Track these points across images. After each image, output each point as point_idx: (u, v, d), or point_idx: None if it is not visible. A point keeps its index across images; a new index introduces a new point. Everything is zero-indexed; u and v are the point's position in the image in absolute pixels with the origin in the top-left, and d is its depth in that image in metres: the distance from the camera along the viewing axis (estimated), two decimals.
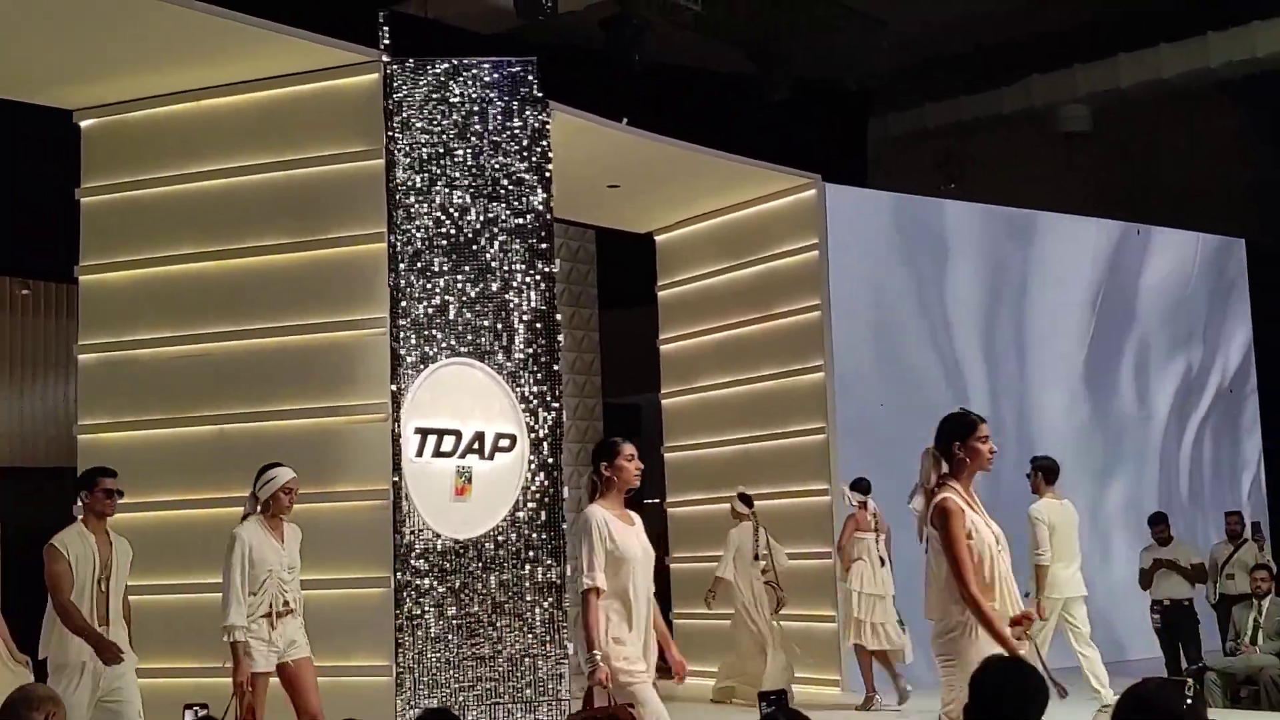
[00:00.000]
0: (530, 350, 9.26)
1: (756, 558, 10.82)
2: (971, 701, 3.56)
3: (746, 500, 11.00)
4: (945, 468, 5.43)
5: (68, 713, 5.20)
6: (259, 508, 7.03)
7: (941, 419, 5.58)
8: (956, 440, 5.47)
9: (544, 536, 9.13)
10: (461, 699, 8.69)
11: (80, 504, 7.03)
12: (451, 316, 9.03)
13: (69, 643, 6.79)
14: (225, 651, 6.81)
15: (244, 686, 6.71)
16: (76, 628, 6.75)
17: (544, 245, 9.39)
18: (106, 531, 7.01)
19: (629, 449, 6.10)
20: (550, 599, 9.09)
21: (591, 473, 6.12)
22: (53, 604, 6.84)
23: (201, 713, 4.62)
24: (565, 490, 9.46)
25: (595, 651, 5.62)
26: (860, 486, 10.76)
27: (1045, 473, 10.04)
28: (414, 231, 8.97)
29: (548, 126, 9.48)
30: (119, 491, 7.03)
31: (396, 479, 8.67)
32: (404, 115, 9.02)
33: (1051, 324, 13.19)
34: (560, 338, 9.54)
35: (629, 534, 5.94)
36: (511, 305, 9.23)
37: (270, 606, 6.90)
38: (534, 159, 9.41)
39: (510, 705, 8.81)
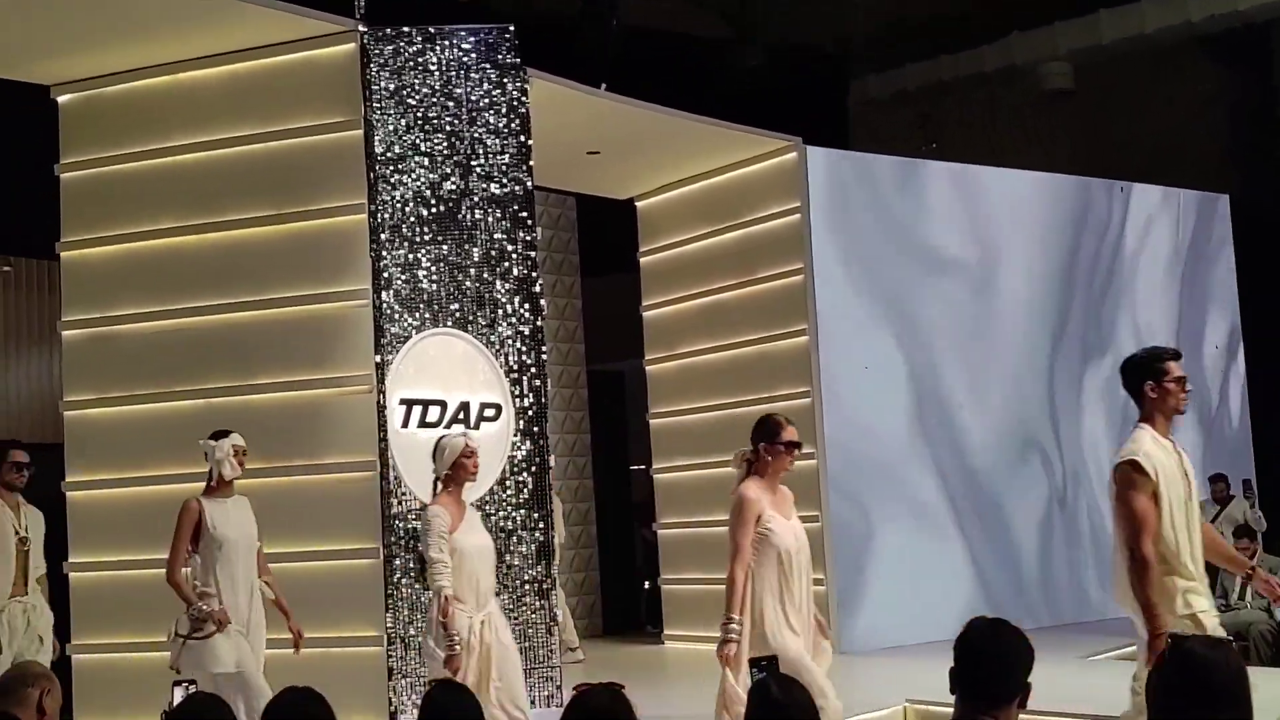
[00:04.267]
0: (513, 319, 9.26)
1: None
2: (955, 661, 3.57)
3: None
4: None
5: None
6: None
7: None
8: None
9: (531, 504, 9.16)
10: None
11: None
12: (434, 287, 9.03)
13: None
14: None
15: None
16: None
17: (525, 213, 9.38)
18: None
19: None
20: (539, 566, 9.13)
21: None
22: None
23: (192, 689, 4.62)
24: (551, 459, 9.48)
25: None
26: None
27: None
28: (394, 202, 8.95)
29: (526, 94, 9.46)
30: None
31: (383, 450, 8.68)
32: (381, 85, 8.99)
33: (1034, 283, 13.20)
34: (543, 306, 9.54)
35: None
36: (493, 274, 9.23)
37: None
38: (513, 127, 9.39)
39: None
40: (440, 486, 6.84)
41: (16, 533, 7.71)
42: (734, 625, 6.00)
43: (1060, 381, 13.20)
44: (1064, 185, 13.78)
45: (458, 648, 6.36)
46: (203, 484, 7.24)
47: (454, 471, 6.80)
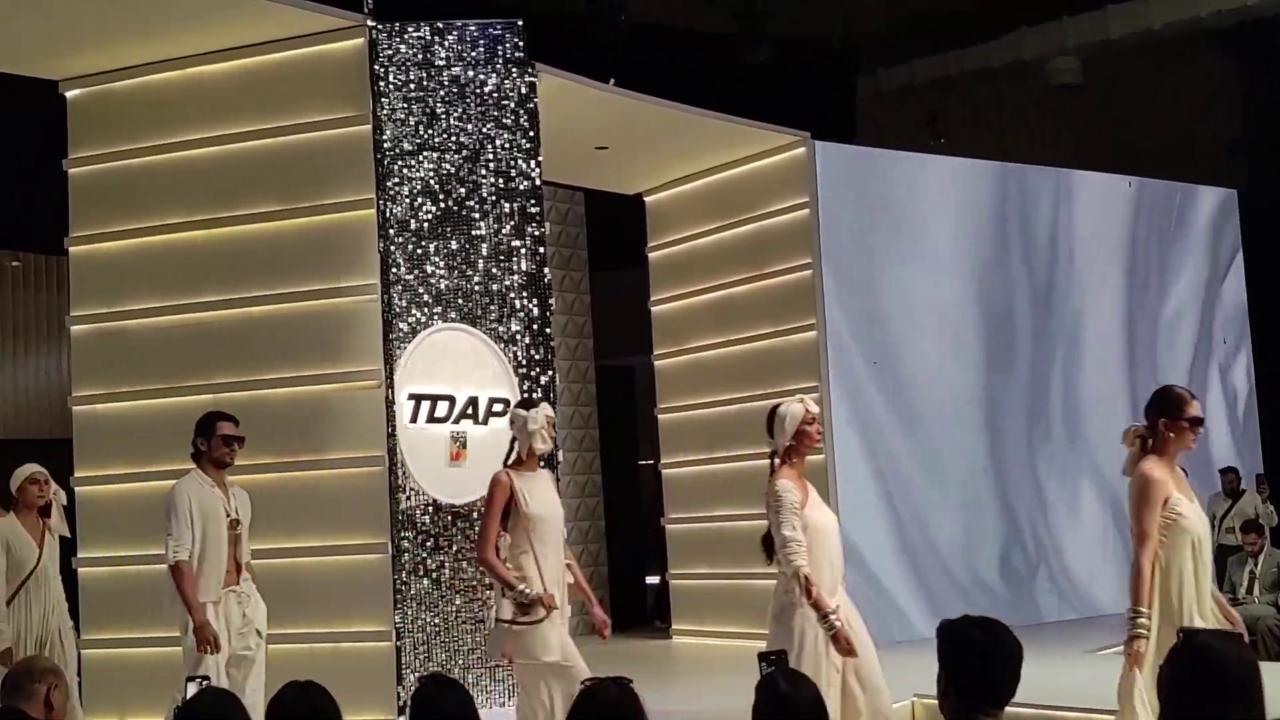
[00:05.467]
0: (522, 314, 9.27)
1: None
2: (943, 662, 3.56)
3: None
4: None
5: None
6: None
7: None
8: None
9: None
10: (460, 662, 8.74)
11: None
12: (442, 282, 9.03)
13: None
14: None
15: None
16: None
17: (534, 208, 9.38)
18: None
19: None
20: None
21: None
22: None
23: (205, 684, 4.62)
24: (560, 454, 9.47)
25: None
26: None
27: None
28: (403, 197, 8.95)
29: (535, 89, 9.46)
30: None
31: (392, 445, 8.68)
32: (390, 80, 8.99)
33: (1044, 278, 13.19)
34: (551, 301, 9.54)
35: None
36: (502, 269, 9.23)
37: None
38: (522, 121, 9.39)
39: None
40: (779, 460, 6.21)
41: (227, 515, 6.96)
42: (1142, 619, 5.43)
43: (1074, 373, 13.19)
44: (1074, 180, 13.75)
45: (838, 623, 5.85)
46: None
47: (796, 442, 6.18)
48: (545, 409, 6.66)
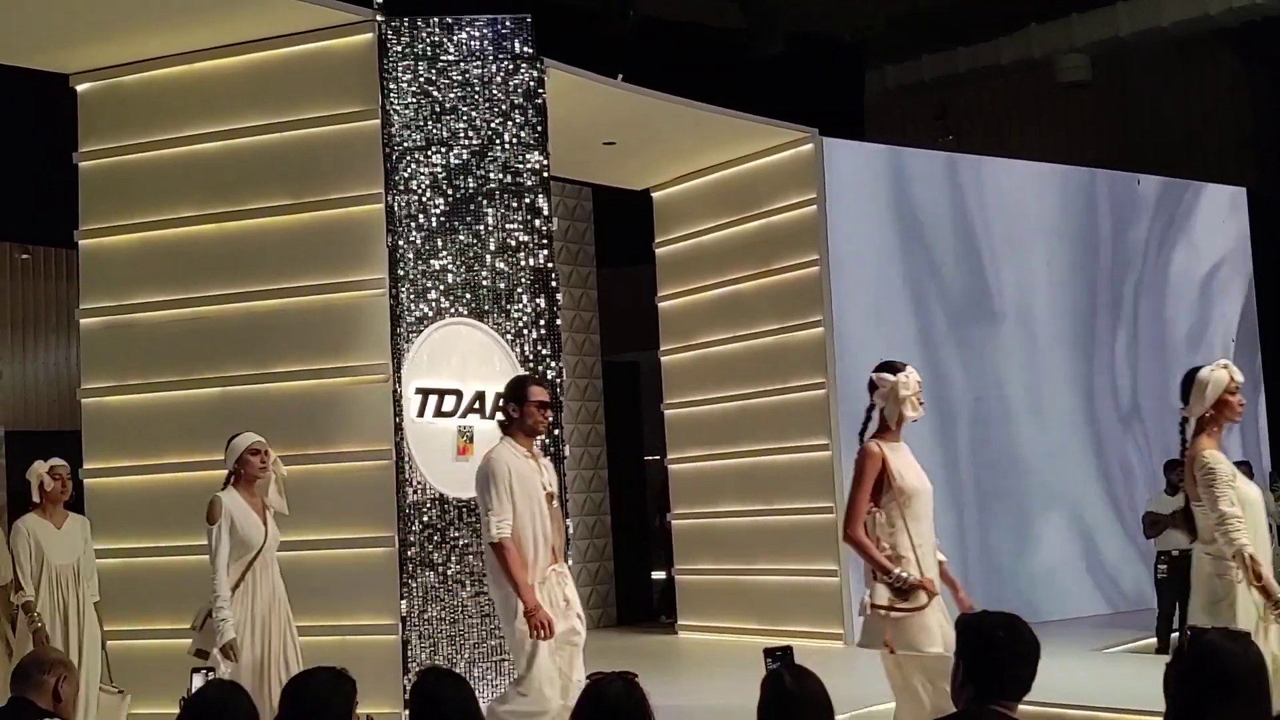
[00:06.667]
0: (529, 309, 9.28)
1: None
2: (962, 654, 3.60)
3: None
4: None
5: None
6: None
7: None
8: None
9: None
10: (466, 655, 8.76)
11: None
12: (450, 277, 9.04)
13: None
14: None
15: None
16: None
17: (541, 204, 9.39)
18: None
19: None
20: None
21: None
22: None
23: (210, 675, 4.65)
24: (566, 449, 9.49)
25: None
26: None
27: None
28: (411, 191, 8.96)
29: (543, 83, 9.47)
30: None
31: (398, 439, 8.70)
32: (399, 74, 9.00)
33: (1052, 273, 13.19)
34: (559, 296, 9.55)
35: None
36: (509, 264, 9.24)
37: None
38: (529, 117, 9.40)
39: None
40: (1195, 429, 5.85)
41: (545, 489, 6.54)
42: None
43: (1082, 368, 13.19)
44: (1082, 178, 13.74)
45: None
46: None
47: (1216, 410, 5.81)
48: (914, 372, 6.06)
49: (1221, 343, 14.15)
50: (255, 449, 7.02)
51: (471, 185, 9.18)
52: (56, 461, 7.97)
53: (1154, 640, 10.97)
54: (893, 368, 6.08)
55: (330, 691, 3.72)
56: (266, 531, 6.97)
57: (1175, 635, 10.63)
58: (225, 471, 7.09)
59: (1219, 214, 14.63)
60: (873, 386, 6.09)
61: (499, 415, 6.52)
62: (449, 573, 8.79)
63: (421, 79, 9.08)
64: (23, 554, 7.74)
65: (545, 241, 9.38)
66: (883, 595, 5.73)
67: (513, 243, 9.27)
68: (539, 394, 6.52)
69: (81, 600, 7.93)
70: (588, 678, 3.75)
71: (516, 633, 6.30)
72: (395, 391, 8.72)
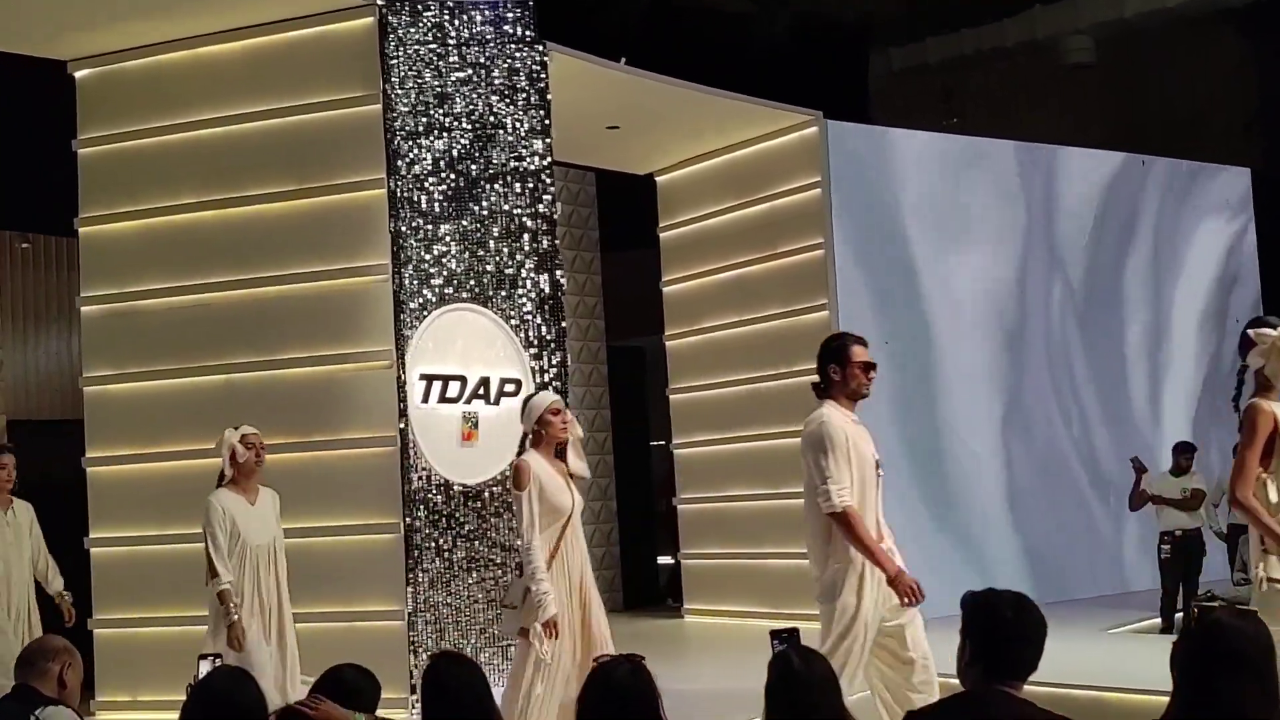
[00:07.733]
0: (533, 294, 9.25)
1: None
2: (969, 633, 3.58)
3: None
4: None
5: None
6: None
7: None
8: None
9: None
10: (473, 641, 8.74)
11: None
12: (453, 262, 9.01)
13: None
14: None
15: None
16: None
17: (545, 188, 9.35)
18: None
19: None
20: None
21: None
22: None
23: (218, 662, 4.63)
24: (580, 431, 9.44)
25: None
26: None
27: None
28: (414, 177, 8.92)
29: (546, 67, 9.42)
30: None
31: (403, 425, 8.68)
32: (400, 59, 8.96)
33: (1056, 255, 13.14)
34: (563, 281, 9.52)
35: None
36: (513, 249, 9.21)
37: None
38: (533, 100, 9.36)
39: None
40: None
41: (874, 457, 6.19)
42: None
43: (1085, 351, 13.14)
44: (1088, 159, 13.68)
45: None
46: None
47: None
48: None
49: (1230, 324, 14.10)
50: (555, 408, 6.53)
51: (474, 170, 9.14)
52: (248, 429, 7.04)
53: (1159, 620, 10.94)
54: (1271, 323, 5.52)
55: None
56: (573, 500, 6.47)
57: (1179, 615, 10.62)
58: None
59: (1225, 194, 14.57)
60: (1246, 345, 5.53)
61: (814, 377, 6.04)
62: (455, 558, 8.77)
63: (423, 63, 9.03)
64: (220, 534, 6.81)
65: (549, 226, 9.34)
66: (1277, 568, 5.23)
67: (516, 227, 9.23)
68: (862, 354, 5.98)
69: (280, 584, 7.06)
70: (594, 660, 3.73)
71: (838, 610, 5.87)
72: (399, 378, 8.70)
